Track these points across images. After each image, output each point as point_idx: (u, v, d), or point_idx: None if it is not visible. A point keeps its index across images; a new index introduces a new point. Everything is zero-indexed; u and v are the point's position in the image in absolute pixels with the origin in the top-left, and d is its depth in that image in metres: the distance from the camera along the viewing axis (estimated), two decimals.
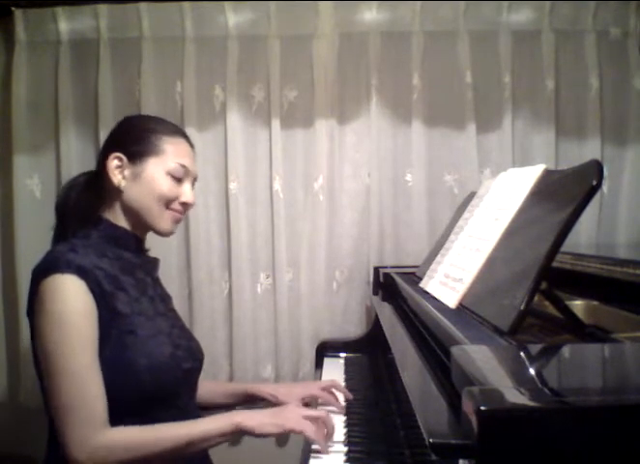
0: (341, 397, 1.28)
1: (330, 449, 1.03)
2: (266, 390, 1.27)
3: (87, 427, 0.93)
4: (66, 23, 1.84)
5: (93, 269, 0.99)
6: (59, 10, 1.83)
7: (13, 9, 1.83)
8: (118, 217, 1.11)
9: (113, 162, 1.09)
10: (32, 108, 1.86)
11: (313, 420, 1.03)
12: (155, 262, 1.20)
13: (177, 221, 1.14)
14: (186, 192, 1.13)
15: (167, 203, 1.10)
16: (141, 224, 1.12)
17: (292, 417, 1.01)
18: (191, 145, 1.18)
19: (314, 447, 1.02)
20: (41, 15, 1.84)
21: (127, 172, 1.09)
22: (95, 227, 1.09)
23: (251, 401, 1.29)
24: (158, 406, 1.04)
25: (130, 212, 1.10)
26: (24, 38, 1.84)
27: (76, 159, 1.87)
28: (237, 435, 1.00)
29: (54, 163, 1.88)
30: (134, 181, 1.08)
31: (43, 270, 0.98)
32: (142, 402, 1.01)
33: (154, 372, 1.01)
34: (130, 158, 1.09)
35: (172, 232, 1.14)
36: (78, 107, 1.87)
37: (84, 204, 1.12)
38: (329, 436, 1.04)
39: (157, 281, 1.21)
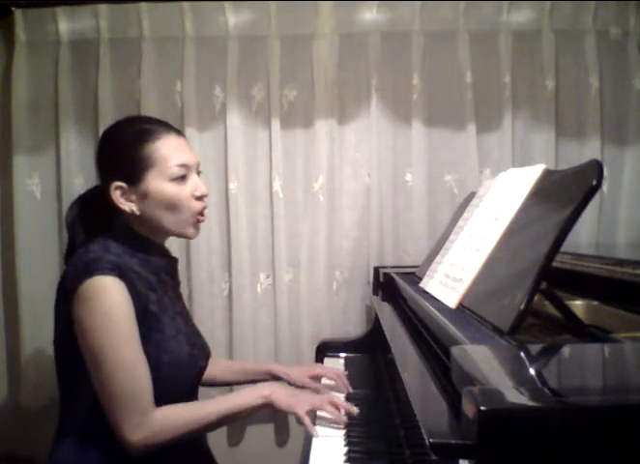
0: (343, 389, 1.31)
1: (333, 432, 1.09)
2: (282, 369, 1.35)
3: (140, 412, 0.98)
4: (66, 23, 1.84)
5: (128, 271, 1.02)
6: (59, 10, 1.83)
7: (13, 9, 1.82)
8: (139, 228, 1.11)
9: (116, 193, 1.07)
10: (32, 108, 1.86)
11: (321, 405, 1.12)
12: (175, 262, 1.21)
13: (199, 223, 1.13)
14: (198, 186, 1.10)
15: (183, 206, 1.09)
16: (165, 233, 1.13)
17: (303, 403, 1.09)
18: (178, 132, 1.12)
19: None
20: (41, 15, 1.84)
21: (133, 196, 1.07)
22: (120, 234, 1.10)
23: (269, 380, 1.34)
24: (169, 403, 1.05)
25: (152, 226, 1.10)
26: (24, 38, 1.84)
27: (76, 159, 1.86)
28: (265, 408, 1.09)
29: (54, 163, 1.88)
30: (144, 200, 1.07)
31: (85, 270, 0.99)
32: (156, 399, 1.02)
33: (175, 369, 1.06)
34: (130, 181, 1.06)
35: (197, 235, 1.14)
36: (78, 107, 1.87)
37: (94, 223, 1.14)
38: (348, 413, 1.12)
39: (176, 282, 1.22)
